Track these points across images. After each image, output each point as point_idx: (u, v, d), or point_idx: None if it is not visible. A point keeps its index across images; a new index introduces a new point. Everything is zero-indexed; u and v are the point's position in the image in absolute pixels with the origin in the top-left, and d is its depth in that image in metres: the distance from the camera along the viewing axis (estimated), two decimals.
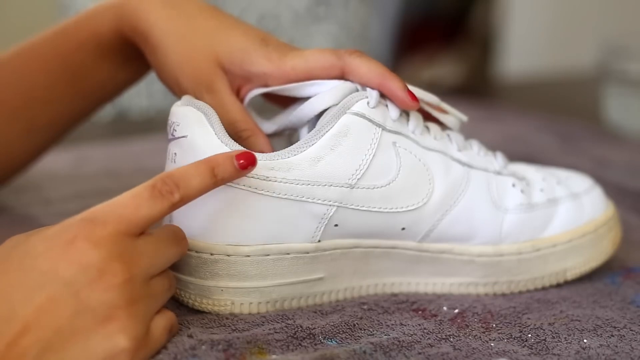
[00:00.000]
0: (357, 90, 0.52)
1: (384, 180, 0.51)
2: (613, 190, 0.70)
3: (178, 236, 0.47)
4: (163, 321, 0.46)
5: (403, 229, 0.52)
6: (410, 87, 0.53)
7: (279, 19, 1.22)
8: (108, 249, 0.42)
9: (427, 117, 0.56)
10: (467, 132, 0.60)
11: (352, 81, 0.53)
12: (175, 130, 0.50)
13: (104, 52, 0.61)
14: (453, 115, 0.55)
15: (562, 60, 1.57)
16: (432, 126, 0.55)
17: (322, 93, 0.52)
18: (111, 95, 0.65)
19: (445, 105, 0.55)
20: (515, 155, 0.67)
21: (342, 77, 0.53)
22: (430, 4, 1.97)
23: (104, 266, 0.42)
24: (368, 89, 0.52)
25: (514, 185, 0.55)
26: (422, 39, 1.90)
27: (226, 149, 0.49)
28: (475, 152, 0.56)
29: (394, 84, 0.52)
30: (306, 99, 0.53)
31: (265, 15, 1.22)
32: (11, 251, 0.42)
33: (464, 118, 0.56)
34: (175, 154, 0.50)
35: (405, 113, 0.54)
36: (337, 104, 0.51)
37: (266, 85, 0.54)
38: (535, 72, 1.54)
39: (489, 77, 1.66)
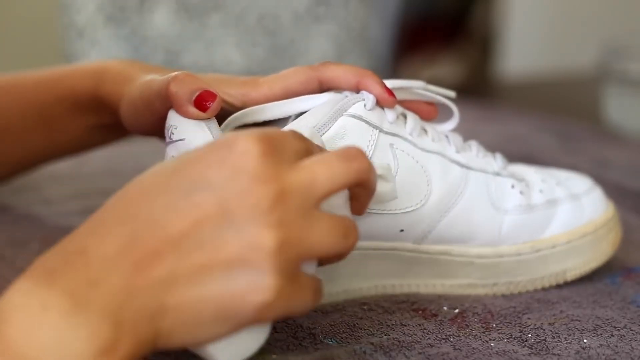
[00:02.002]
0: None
1: None
2: (613, 190, 0.70)
3: (349, 228, 0.41)
4: (310, 280, 0.41)
5: (401, 230, 0.52)
6: (391, 81, 0.53)
7: (279, 19, 1.22)
8: (271, 161, 0.39)
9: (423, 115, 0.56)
10: (467, 131, 0.60)
11: (331, 89, 0.53)
12: (173, 134, 0.50)
13: (81, 110, 0.61)
14: (440, 96, 0.56)
15: (562, 60, 1.57)
16: (430, 128, 0.55)
17: (315, 107, 0.51)
18: (87, 148, 0.66)
19: (431, 87, 0.55)
20: (515, 155, 0.67)
21: (320, 88, 0.53)
22: (430, 4, 1.97)
23: (258, 176, 0.38)
24: (364, 92, 0.52)
25: (513, 187, 0.55)
26: (422, 39, 1.90)
27: None
28: (474, 153, 0.56)
29: (370, 80, 0.52)
30: (289, 117, 0.52)
31: (265, 15, 1.22)
32: (174, 159, 0.40)
33: (452, 94, 0.56)
34: (172, 157, 0.50)
35: (402, 115, 0.54)
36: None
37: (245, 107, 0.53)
38: (535, 72, 1.54)
39: (489, 77, 1.66)
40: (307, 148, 0.42)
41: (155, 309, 0.37)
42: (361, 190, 0.44)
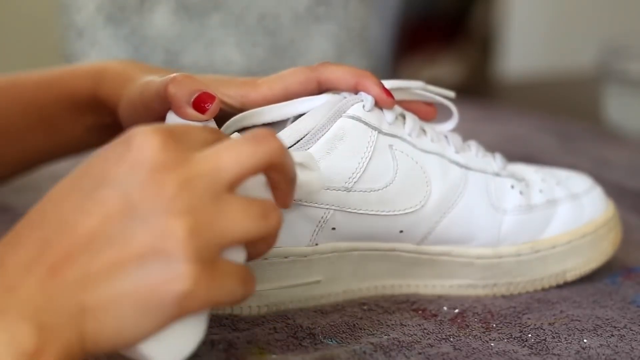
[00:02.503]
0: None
1: (380, 183, 0.51)
2: (613, 190, 0.70)
3: (268, 208, 0.40)
4: (234, 267, 0.40)
5: (401, 231, 0.52)
6: (390, 82, 0.53)
7: (279, 19, 1.22)
8: (170, 150, 0.38)
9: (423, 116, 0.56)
10: (467, 131, 0.60)
11: (330, 90, 0.53)
12: None
13: (81, 110, 0.61)
14: (439, 96, 0.56)
15: (562, 60, 1.57)
16: (429, 128, 0.55)
17: (314, 109, 0.51)
18: (87, 149, 0.66)
19: (430, 88, 0.55)
20: (514, 155, 0.67)
21: (319, 89, 0.53)
22: (430, 4, 1.97)
23: (158, 165, 0.38)
24: (363, 93, 0.52)
25: (512, 187, 0.55)
26: (422, 39, 1.90)
27: None
28: (474, 153, 0.56)
29: (368, 81, 0.52)
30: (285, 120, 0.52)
31: (265, 15, 1.22)
32: (82, 163, 0.40)
33: (451, 94, 0.56)
34: None
35: (401, 116, 0.54)
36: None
37: (243, 110, 0.53)
38: (535, 72, 1.55)
39: (489, 77, 1.66)
40: (218, 138, 0.42)
41: (75, 310, 0.37)
42: (278, 176, 0.42)
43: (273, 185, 0.43)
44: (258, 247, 0.42)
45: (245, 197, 0.40)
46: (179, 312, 0.38)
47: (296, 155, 0.45)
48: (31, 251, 0.37)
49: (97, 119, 0.62)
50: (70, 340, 0.37)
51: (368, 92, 0.52)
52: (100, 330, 0.37)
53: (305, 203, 0.50)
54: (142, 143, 0.39)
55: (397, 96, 0.54)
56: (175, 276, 0.37)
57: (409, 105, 0.56)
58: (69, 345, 0.37)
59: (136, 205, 0.38)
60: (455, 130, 0.57)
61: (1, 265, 0.37)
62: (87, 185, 0.39)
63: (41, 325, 0.36)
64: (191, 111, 0.49)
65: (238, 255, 0.41)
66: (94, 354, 0.38)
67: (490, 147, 0.59)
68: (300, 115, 0.52)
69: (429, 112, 0.56)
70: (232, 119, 0.52)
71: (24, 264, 0.37)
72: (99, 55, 1.18)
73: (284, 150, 0.41)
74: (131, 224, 0.38)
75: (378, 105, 0.52)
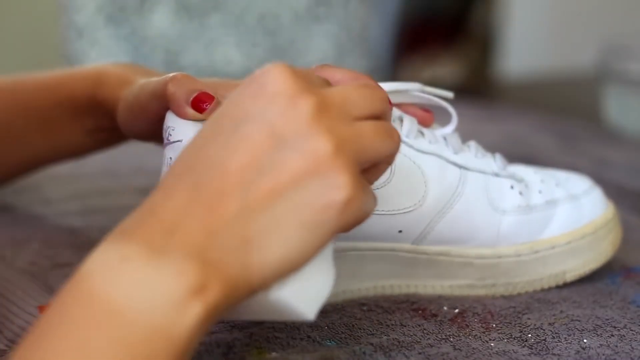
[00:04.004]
0: None
1: (378, 182, 0.51)
2: (613, 190, 0.70)
3: (391, 128, 0.43)
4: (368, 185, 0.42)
5: (400, 231, 0.52)
6: (388, 84, 0.53)
7: (279, 19, 1.22)
8: (301, 81, 0.40)
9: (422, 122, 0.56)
10: (467, 131, 0.60)
11: None
12: (171, 135, 0.50)
13: (80, 114, 0.62)
14: (438, 97, 0.55)
15: (562, 60, 1.57)
16: (427, 131, 0.55)
17: None
18: (86, 152, 0.66)
19: (428, 89, 0.55)
20: (514, 155, 0.67)
21: None
22: (430, 4, 1.97)
23: (294, 93, 0.40)
24: None
25: (512, 187, 0.55)
26: (422, 39, 1.90)
27: None
28: (473, 154, 0.55)
29: None
30: None
31: (265, 15, 1.22)
32: (215, 113, 0.42)
33: (449, 95, 0.56)
34: (170, 158, 0.50)
35: (399, 119, 0.54)
36: None
37: None
38: (535, 72, 1.55)
39: (489, 77, 1.66)
40: (327, 81, 0.44)
41: (238, 243, 0.38)
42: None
43: None
44: (380, 167, 0.44)
45: (371, 120, 0.42)
46: (340, 224, 0.39)
47: None
48: (184, 196, 0.38)
49: (96, 122, 0.62)
50: (235, 274, 0.37)
51: None
52: (267, 257, 0.38)
53: None
54: (275, 77, 0.40)
55: (396, 99, 0.54)
56: (334, 187, 0.39)
57: (406, 111, 0.56)
58: (234, 279, 0.37)
59: (281, 133, 0.39)
60: (455, 130, 0.57)
61: (155, 214, 0.38)
62: (227, 127, 0.40)
63: (205, 262, 0.37)
64: (190, 110, 0.49)
65: None
66: (260, 286, 0.38)
67: (491, 147, 0.59)
68: None
69: (426, 118, 0.56)
70: None
71: (180, 208, 0.38)
72: (99, 55, 1.18)
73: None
74: (280, 151, 0.39)
75: None
